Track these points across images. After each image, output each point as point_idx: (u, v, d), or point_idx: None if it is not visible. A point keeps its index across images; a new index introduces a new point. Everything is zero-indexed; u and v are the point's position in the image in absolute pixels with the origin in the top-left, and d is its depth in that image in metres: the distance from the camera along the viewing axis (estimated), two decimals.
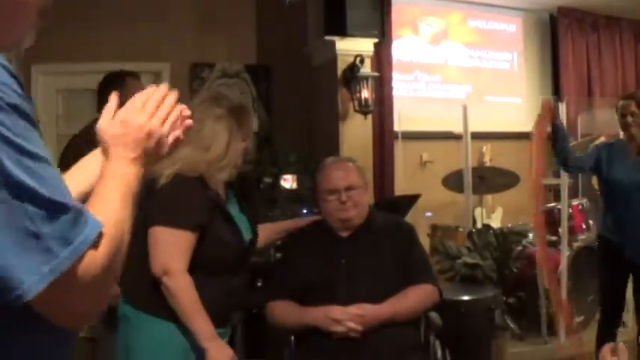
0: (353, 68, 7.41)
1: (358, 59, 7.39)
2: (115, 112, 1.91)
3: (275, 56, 8.33)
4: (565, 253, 6.89)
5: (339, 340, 3.71)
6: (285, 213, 7.09)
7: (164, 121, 1.87)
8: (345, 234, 4.05)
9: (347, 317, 3.69)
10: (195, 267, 3.08)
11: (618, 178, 5.51)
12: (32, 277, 1.29)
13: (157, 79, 7.82)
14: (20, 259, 1.28)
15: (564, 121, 7.02)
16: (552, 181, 7.84)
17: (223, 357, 3.06)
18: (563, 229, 6.98)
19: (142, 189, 2.97)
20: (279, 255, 6.14)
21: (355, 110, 7.49)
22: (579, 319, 7.06)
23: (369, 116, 7.64)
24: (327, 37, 7.50)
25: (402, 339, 3.83)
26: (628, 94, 5.91)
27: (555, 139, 5.71)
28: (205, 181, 3.16)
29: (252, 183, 7.26)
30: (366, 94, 7.43)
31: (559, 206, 7.32)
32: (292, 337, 4.02)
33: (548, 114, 5.71)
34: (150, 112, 1.86)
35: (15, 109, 1.36)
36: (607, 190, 5.69)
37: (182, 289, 2.99)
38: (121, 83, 4.76)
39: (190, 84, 8.13)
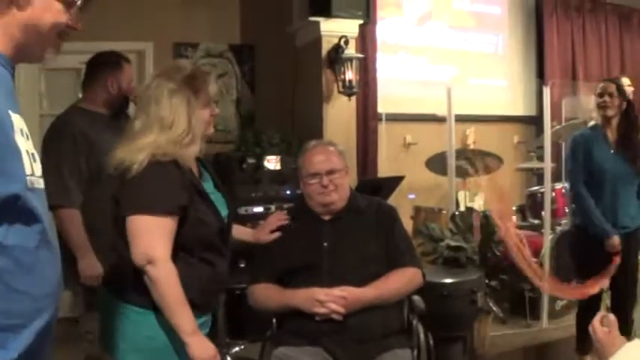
0: (337, 49, 7.39)
1: (343, 40, 7.36)
2: None
3: (259, 36, 8.28)
4: (548, 237, 6.89)
5: (322, 322, 3.70)
6: (268, 194, 7.08)
7: None
8: (327, 217, 4.03)
9: (330, 299, 3.68)
10: (178, 251, 2.99)
11: (603, 168, 5.48)
12: None
13: (140, 59, 7.78)
14: None
15: (548, 105, 7.04)
16: (536, 164, 7.86)
17: (206, 352, 2.98)
18: (546, 213, 6.98)
19: (114, 180, 2.96)
20: None
21: (339, 92, 7.47)
22: (562, 302, 7.08)
23: (353, 98, 7.61)
24: (312, 18, 7.45)
25: (385, 322, 3.82)
26: (610, 78, 5.99)
27: None
28: (178, 162, 3.03)
29: (232, 162, 7.23)
30: (350, 75, 7.40)
31: (542, 190, 7.33)
32: (274, 320, 4.00)
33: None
34: None
35: None
36: (592, 181, 5.56)
37: (166, 279, 2.89)
38: (119, 67, 4.68)
39: None
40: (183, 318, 2.92)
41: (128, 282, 2.98)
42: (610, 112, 5.47)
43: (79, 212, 4.31)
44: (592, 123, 5.82)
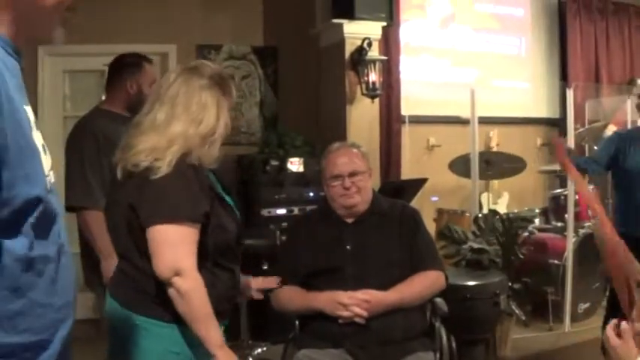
0: (361, 51, 7.39)
1: (366, 42, 7.35)
2: None
3: (282, 38, 8.31)
4: (571, 240, 6.87)
5: (344, 324, 3.71)
6: (291, 196, 7.10)
7: None
8: (350, 219, 4.04)
9: (353, 302, 3.69)
10: (201, 260, 2.86)
11: (633, 168, 5.22)
12: None
13: (163, 61, 7.83)
14: None
15: (572, 107, 7.00)
16: (559, 167, 7.83)
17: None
18: (569, 216, 6.96)
19: (129, 180, 2.85)
20: (284, 238, 6.15)
21: (362, 94, 7.47)
22: (585, 305, 7.06)
23: (377, 100, 7.62)
24: (335, 20, 7.47)
25: (408, 324, 3.83)
26: None
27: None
28: (198, 164, 2.89)
29: (255, 164, 7.26)
30: (373, 77, 7.40)
31: (565, 192, 7.31)
32: (297, 322, 4.02)
33: (563, 154, 5.19)
34: None
35: None
36: (625, 181, 5.36)
37: (196, 291, 2.78)
38: (139, 68, 4.67)
39: None
40: (213, 330, 2.82)
41: (146, 295, 2.86)
42: None
43: (102, 214, 4.31)
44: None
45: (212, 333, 2.82)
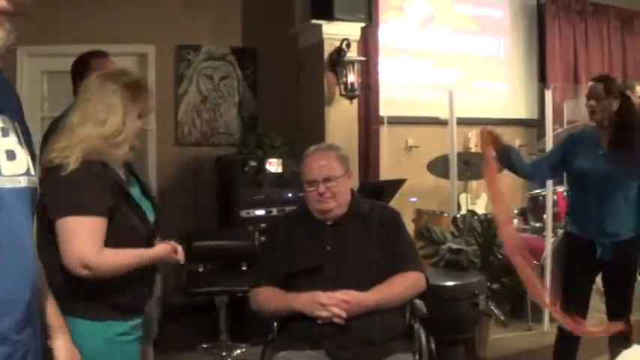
0: (339, 52, 7.41)
1: (345, 43, 7.37)
2: None
3: (261, 38, 8.32)
4: (550, 240, 6.89)
5: (324, 325, 3.68)
6: (270, 197, 7.10)
7: None
8: (329, 222, 4.02)
9: (332, 302, 3.67)
10: None
11: (586, 169, 5.03)
12: None
13: (142, 62, 7.81)
14: None
15: (550, 108, 7.00)
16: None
17: (167, 250, 3.20)
18: (547, 216, 6.97)
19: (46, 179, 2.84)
20: (263, 239, 6.14)
21: (341, 94, 7.50)
22: None
23: (355, 101, 7.64)
24: (314, 21, 7.48)
25: (388, 326, 3.80)
26: (598, 76, 5.32)
27: (501, 160, 5.29)
28: (106, 163, 3.02)
29: (234, 165, 7.25)
30: (352, 78, 7.43)
31: (544, 193, 7.32)
32: (275, 324, 4.00)
33: (489, 142, 5.23)
34: None
35: None
36: (577, 183, 5.25)
37: (110, 263, 2.91)
38: (85, 67, 4.74)
39: (176, 66, 8.10)
40: (139, 257, 3.05)
41: (62, 291, 2.76)
42: (597, 117, 5.01)
43: None
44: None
45: (140, 259, 3.06)
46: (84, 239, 2.85)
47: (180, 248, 3.34)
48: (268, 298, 3.94)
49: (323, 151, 4.10)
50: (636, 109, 5.19)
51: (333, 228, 4.00)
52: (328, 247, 3.93)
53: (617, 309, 5.11)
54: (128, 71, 3.29)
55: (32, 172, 1.90)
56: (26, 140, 1.95)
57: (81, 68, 4.75)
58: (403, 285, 3.92)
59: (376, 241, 3.97)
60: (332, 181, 3.93)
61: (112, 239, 2.93)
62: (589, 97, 5.00)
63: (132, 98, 3.08)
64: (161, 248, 3.23)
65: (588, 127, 5.47)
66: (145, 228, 3.13)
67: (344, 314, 3.66)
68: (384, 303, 3.79)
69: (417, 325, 4.08)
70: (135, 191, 3.23)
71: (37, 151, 2.06)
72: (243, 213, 7.04)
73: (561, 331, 5.21)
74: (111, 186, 2.98)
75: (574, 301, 5.05)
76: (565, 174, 5.65)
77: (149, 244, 3.16)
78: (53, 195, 2.88)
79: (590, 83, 5.11)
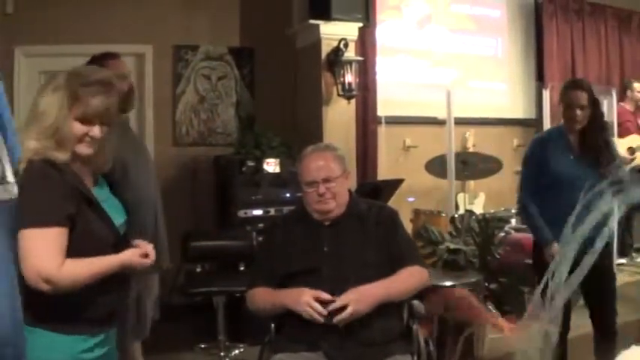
0: (337, 52, 7.40)
1: (342, 43, 7.36)
2: None
3: (259, 39, 8.31)
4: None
5: (322, 327, 3.66)
6: (267, 197, 7.09)
7: None
8: (327, 222, 4.01)
9: (317, 308, 3.64)
10: None
11: (562, 173, 4.97)
12: None
13: (140, 62, 7.80)
14: None
15: (548, 108, 6.99)
16: None
17: (135, 256, 2.98)
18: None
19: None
20: (260, 239, 6.13)
21: (339, 95, 7.49)
22: None
23: (353, 101, 7.63)
24: (312, 21, 7.48)
25: (386, 327, 3.78)
26: (574, 81, 5.34)
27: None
28: (60, 166, 2.81)
29: (231, 165, 7.24)
30: (349, 78, 7.42)
31: None
32: (272, 325, 3.99)
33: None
34: None
35: None
36: (552, 184, 5.06)
37: (70, 277, 2.73)
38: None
39: (174, 66, 8.09)
40: (103, 266, 2.85)
41: (29, 302, 2.66)
42: (579, 126, 4.99)
43: None
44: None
45: (105, 265, 2.86)
46: (43, 252, 2.68)
47: (150, 249, 3.13)
48: (263, 297, 3.93)
49: (320, 151, 4.08)
50: (602, 112, 5.21)
51: (330, 228, 3.99)
52: (326, 248, 3.91)
53: (599, 315, 5.17)
54: (90, 72, 3.03)
55: (8, 177, 1.70)
56: (3, 138, 1.71)
57: None
58: (409, 278, 3.89)
59: (373, 240, 3.95)
60: (331, 182, 3.91)
61: (74, 248, 2.78)
62: (573, 106, 4.94)
63: (73, 98, 2.87)
64: (128, 254, 3.00)
65: (550, 130, 5.43)
66: (110, 232, 2.97)
67: (324, 312, 3.63)
68: (392, 294, 3.78)
69: (415, 326, 4.07)
70: (100, 192, 3.06)
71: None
72: (241, 213, 7.03)
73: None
74: (70, 191, 2.81)
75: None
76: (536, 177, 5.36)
77: (117, 249, 2.97)
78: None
79: (570, 91, 5.00)
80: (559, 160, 5.03)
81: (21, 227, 2.67)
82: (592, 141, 5.01)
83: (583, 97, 4.90)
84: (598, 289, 5.02)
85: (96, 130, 2.92)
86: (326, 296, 3.66)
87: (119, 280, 2.99)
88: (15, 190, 1.57)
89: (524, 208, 5.21)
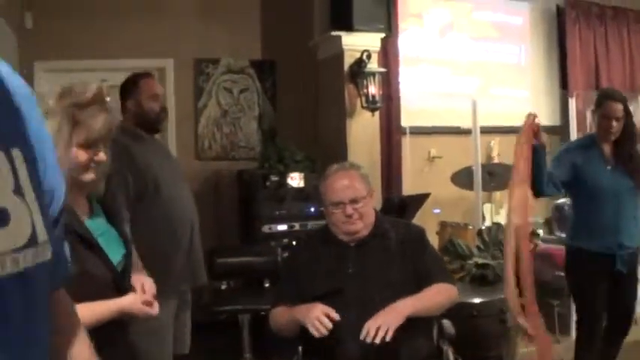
0: (360, 63, 7.34)
1: (365, 54, 7.30)
2: None
3: (280, 51, 8.28)
4: None
5: (348, 349, 3.61)
6: (292, 212, 7.06)
7: None
8: (352, 243, 3.94)
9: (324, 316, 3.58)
10: None
11: (601, 186, 5.11)
12: None
13: (160, 76, 7.77)
14: None
15: (574, 116, 6.93)
16: None
17: (137, 303, 2.75)
18: None
19: None
20: (285, 254, 6.09)
21: (362, 107, 7.43)
22: None
23: (377, 112, 7.57)
24: (333, 32, 7.43)
25: (414, 348, 3.73)
26: (610, 93, 5.42)
27: (533, 165, 4.78)
28: None
29: (255, 179, 7.20)
30: (373, 90, 7.36)
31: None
32: (300, 348, 3.93)
33: (530, 133, 4.88)
34: None
35: None
36: (588, 197, 5.21)
37: None
38: (134, 86, 4.78)
39: (195, 80, 8.08)
40: (99, 313, 2.60)
41: None
42: (614, 137, 5.13)
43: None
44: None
45: (101, 316, 2.61)
46: None
47: (153, 291, 2.93)
48: (281, 315, 3.91)
49: (346, 171, 4.01)
50: (633, 122, 5.29)
51: (356, 249, 3.93)
52: (350, 270, 3.85)
53: (621, 319, 5.33)
54: (83, 90, 2.67)
55: (39, 236, 1.22)
56: (34, 177, 1.25)
57: (129, 86, 4.80)
58: (437, 295, 3.84)
59: (398, 260, 3.89)
60: (358, 202, 3.86)
61: (69, 291, 2.45)
62: (609, 118, 5.07)
63: (72, 122, 2.61)
64: (130, 300, 2.77)
65: (583, 140, 5.48)
66: (107, 272, 2.72)
67: (330, 326, 3.56)
68: (420, 310, 3.71)
69: (445, 347, 4.02)
70: (96, 225, 2.80)
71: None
72: (265, 228, 7.01)
73: (580, 339, 5.43)
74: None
75: (594, 315, 5.25)
76: (572, 187, 5.46)
77: (118, 288, 2.76)
78: None
79: (610, 104, 5.10)
80: (596, 172, 5.15)
81: None
82: (625, 151, 5.14)
83: (619, 109, 5.04)
84: (624, 289, 5.29)
85: (102, 155, 2.73)
86: (335, 315, 3.60)
87: (115, 328, 2.74)
88: (49, 251, 1.19)
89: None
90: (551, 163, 5.30)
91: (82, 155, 2.66)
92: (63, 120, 2.59)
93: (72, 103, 2.62)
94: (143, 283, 2.92)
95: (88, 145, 2.67)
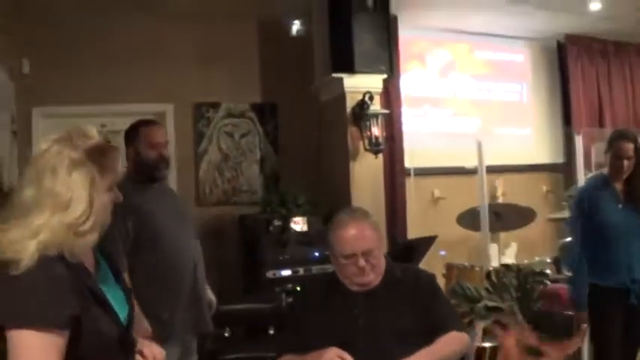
0: (362, 105, 7.29)
1: (367, 96, 7.25)
2: None
3: (281, 94, 8.24)
4: None
5: None
6: (295, 257, 6.99)
7: None
8: (362, 291, 3.83)
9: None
10: None
11: (613, 222, 5.23)
12: None
13: (160, 120, 7.69)
14: None
15: (581, 153, 6.93)
16: (567, 214, 7.68)
17: None
18: None
19: None
20: (290, 300, 5.99)
21: (365, 149, 7.36)
22: None
23: (380, 155, 7.50)
24: (335, 75, 7.39)
25: None
26: (622, 133, 5.50)
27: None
28: (66, 257, 2.36)
29: (258, 225, 7.15)
30: (376, 131, 7.31)
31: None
32: None
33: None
34: None
35: None
36: (599, 235, 5.29)
37: None
38: (135, 133, 4.81)
39: (195, 124, 8.01)
40: None
41: None
42: (625, 176, 5.25)
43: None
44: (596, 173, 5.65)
45: None
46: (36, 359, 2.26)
47: (160, 355, 2.79)
48: None
49: (357, 221, 3.87)
50: None
51: (365, 299, 3.80)
52: (360, 320, 3.74)
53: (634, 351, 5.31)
54: (89, 132, 2.51)
55: None
56: None
57: (130, 134, 4.83)
58: (449, 345, 3.71)
59: (410, 308, 3.78)
60: (371, 254, 3.74)
61: (79, 350, 2.37)
62: (620, 157, 5.19)
63: (99, 168, 2.46)
64: None
65: (594, 181, 5.55)
66: (115, 328, 2.55)
67: None
68: None
69: None
70: (105, 279, 2.67)
71: None
72: (269, 274, 6.93)
73: None
74: (76, 288, 2.37)
75: (610, 347, 5.31)
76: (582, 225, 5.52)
77: (123, 345, 2.60)
78: (3, 299, 2.30)
79: (621, 144, 5.22)
80: (609, 211, 5.26)
81: (12, 326, 2.27)
82: (637, 189, 5.27)
83: (630, 149, 5.16)
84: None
85: (119, 194, 2.59)
86: (349, 358, 3.49)
87: None
88: None
89: (580, 264, 5.40)
90: (574, 222, 5.54)
91: (109, 200, 2.54)
92: (91, 168, 2.43)
93: (89, 149, 2.45)
94: (155, 356, 2.79)
95: (111, 189, 2.54)
